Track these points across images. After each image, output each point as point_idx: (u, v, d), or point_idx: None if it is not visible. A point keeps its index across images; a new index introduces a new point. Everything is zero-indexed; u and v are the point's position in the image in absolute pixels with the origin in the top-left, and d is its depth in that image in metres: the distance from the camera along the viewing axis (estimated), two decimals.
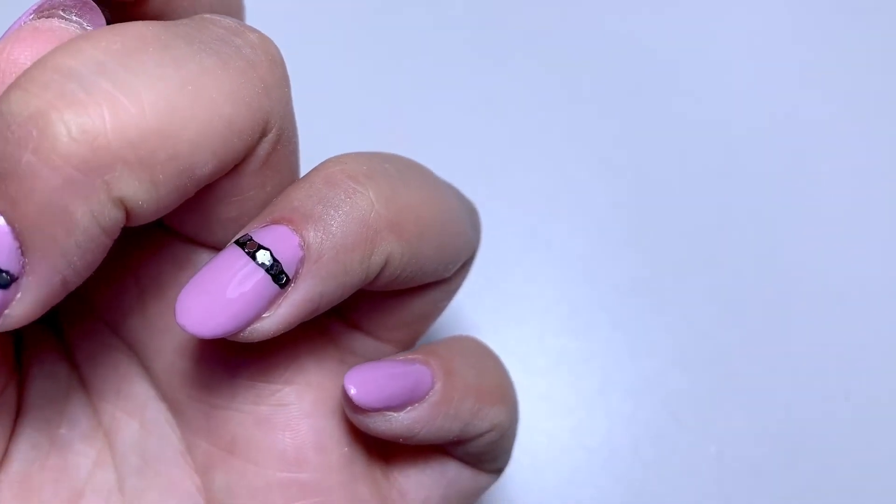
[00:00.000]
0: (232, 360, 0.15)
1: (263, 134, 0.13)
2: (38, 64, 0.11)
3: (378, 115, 0.28)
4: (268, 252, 0.13)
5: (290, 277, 0.13)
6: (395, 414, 0.15)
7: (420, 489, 0.17)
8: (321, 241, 0.13)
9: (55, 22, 0.12)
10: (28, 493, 0.15)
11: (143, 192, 0.11)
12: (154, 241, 0.15)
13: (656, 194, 0.28)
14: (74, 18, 0.13)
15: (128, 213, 0.11)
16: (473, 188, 0.19)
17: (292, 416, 0.15)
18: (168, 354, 0.16)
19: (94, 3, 0.13)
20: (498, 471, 0.18)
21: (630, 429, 0.25)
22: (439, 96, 0.29)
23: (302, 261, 0.13)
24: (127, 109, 0.11)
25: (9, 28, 0.13)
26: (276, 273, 0.13)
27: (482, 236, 0.18)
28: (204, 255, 0.15)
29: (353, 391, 0.14)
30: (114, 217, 0.11)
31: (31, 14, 0.12)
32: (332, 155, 0.15)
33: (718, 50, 0.30)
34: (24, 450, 0.15)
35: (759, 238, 0.27)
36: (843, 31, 0.30)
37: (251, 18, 0.17)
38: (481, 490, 0.18)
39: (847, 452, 0.24)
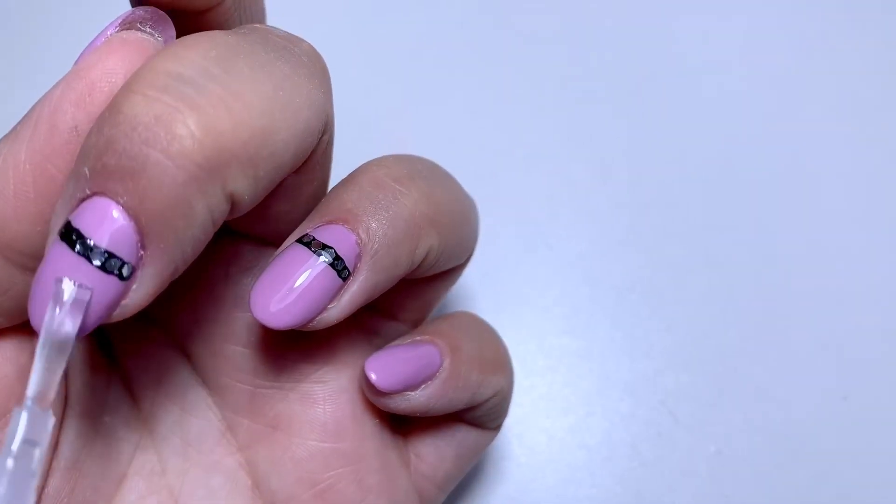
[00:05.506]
0: (278, 344, 0.17)
1: (323, 133, 0.14)
2: (148, 69, 0.12)
3: (381, 117, 0.29)
4: (332, 250, 0.15)
5: (351, 272, 0.15)
6: (413, 393, 0.17)
7: (435, 451, 0.19)
8: (375, 239, 0.15)
9: (138, 34, 0.13)
10: (77, 479, 0.16)
11: (247, 187, 0.12)
12: None
13: (656, 195, 0.28)
14: (148, 30, 0.14)
15: (232, 207, 0.12)
16: (475, 189, 0.20)
17: (331, 391, 0.17)
18: (215, 342, 0.17)
19: (166, 15, 0.14)
20: (498, 427, 0.20)
21: (629, 428, 0.25)
22: (441, 98, 0.29)
23: (359, 256, 0.15)
24: (239, 112, 0.12)
25: (93, 40, 0.14)
26: (340, 269, 0.15)
27: (483, 237, 0.20)
28: (251, 248, 0.17)
29: (374, 377, 0.16)
30: (223, 210, 0.12)
31: (115, 27, 0.14)
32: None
33: (717, 52, 0.30)
34: (71, 439, 0.16)
35: (758, 238, 0.27)
36: (842, 34, 0.30)
37: None
38: (486, 445, 0.20)
39: (845, 452, 0.25)
